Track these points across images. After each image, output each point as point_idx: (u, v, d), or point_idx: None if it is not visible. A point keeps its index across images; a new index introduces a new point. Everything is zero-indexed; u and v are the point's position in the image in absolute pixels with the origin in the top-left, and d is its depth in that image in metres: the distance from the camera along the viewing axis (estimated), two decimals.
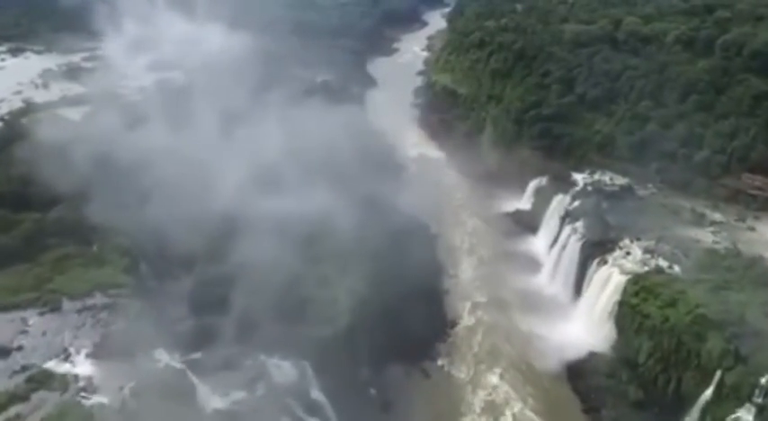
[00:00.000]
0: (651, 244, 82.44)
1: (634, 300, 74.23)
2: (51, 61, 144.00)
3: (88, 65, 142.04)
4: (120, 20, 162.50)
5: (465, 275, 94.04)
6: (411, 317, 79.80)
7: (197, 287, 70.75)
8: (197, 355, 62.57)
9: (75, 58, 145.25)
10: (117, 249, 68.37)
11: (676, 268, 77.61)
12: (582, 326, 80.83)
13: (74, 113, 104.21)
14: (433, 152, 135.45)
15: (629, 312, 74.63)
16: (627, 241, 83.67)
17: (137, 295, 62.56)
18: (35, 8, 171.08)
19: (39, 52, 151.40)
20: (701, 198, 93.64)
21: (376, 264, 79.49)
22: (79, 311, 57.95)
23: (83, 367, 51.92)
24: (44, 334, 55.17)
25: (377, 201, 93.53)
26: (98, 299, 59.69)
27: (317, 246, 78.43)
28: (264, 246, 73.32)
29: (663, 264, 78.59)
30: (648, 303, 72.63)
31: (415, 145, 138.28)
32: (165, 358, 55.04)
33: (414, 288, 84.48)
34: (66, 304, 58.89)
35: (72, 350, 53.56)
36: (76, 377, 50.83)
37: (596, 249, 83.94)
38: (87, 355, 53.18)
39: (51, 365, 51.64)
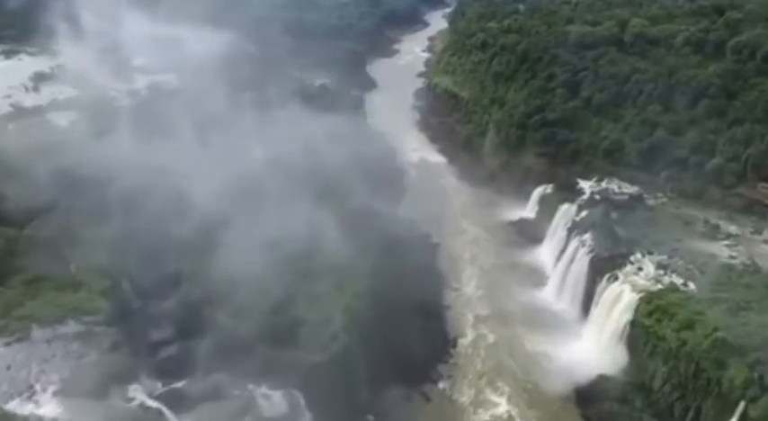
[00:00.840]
0: (664, 258, 76.49)
1: (647, 321, 68.31)
2: (44, 63, 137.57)
3: (80, 67, 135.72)
4: (114, 22, 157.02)
5: (467, 289, 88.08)
6: (411, 336, 74.40)
7: (182, 308, 64.74)
8: (179, 384, 56.84)
9: (68, 61, 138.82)
10: (96, 269, 62.10)
11: (692, 286, 71.66)
12: (591, 346, 74.89)
13: (61, 119, 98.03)
14: (434, 157, 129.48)
15: (642, 333, 68.75)
16: (638, 255, 77.72)
17: (114, 321, 56.41)
18: (29, 9, 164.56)
19: (32, 54, 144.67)
20: (714, 208, 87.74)
21: (373, 278, 73.69)
22: (49, 341, 51.64)
23: (48, 407, 45.84)
24: (9, 368, 48.95)
25: (375, 209, 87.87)
26: (71, 326, 53.40)
27: (310, 260, 72.11)
28: (255, 260, 67.60)
29: (677, 281, 72.65)
30: (663, 325, 66.70)
31: (416, 149, 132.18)
32: (140, 395, 49.12)
33: (414, 303, 79.18)
34: (36, 333, 52.43)
35: (38, 387, 47.44)
36: (40, 420, 44.93)
37: (606, 264, 77.92)
38: (54, 393, 47.08)
39: (13, 406, 45.42)
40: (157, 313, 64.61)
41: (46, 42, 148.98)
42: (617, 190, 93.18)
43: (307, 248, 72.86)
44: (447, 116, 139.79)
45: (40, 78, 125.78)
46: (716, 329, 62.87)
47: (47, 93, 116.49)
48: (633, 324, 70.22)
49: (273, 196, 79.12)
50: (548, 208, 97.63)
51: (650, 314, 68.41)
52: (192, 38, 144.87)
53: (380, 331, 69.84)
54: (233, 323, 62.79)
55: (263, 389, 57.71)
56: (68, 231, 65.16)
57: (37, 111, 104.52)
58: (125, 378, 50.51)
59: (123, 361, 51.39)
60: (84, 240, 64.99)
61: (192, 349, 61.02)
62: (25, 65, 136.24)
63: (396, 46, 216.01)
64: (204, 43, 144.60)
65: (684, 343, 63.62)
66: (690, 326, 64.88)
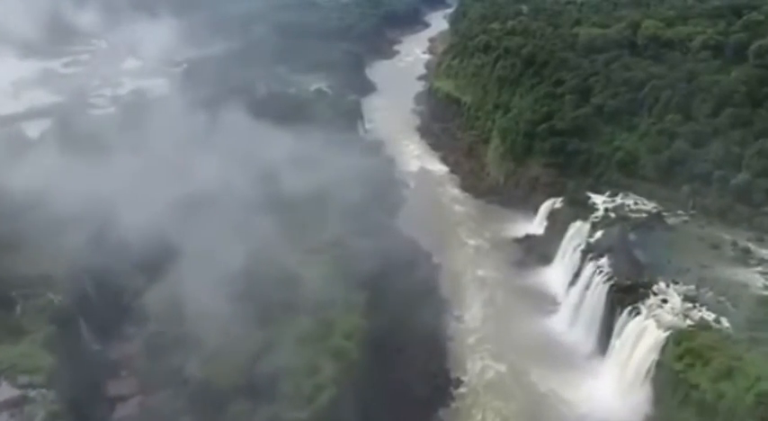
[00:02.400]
0: (692, 289, 65.60)
1: (677, 365, 57.34)
2: (29, 67, 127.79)
3: (67, 71, 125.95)
4: (108, 23, 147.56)
5: (470, 316, 77.21)
6: (410, 377, 64.42)
7: (146, 354, 54.61)
8: None
9: (55, 64, 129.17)
10: (45, 310, 51.85)
11: (725, 322, 60.75)
12: (610, 388, 64.10)
13: (34, 128, 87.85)
14: (435, 165, 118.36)
15: (671, 378, 57.86)
16: (662, 285, 66.71)
17: (57, 380, 45.94)
18: (20, 10, 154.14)
19: (18, 57, 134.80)
20: (741, 228, 76.43)
21: (368, 311, 63.29)
22: None
23: None
24: None
25: (372, 227, 77.70)
26: (3, 390, 43.24)
27: (294, 292, 61.70)
28: (232, 295, 57.50)
29: (708, 316, 61.73)
30: (696, 371, 55.77)
31: (416, 157, 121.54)
32: None
33: (412, 337, 68.92)
34: None
35: None
36: None
37: (626, 294, 66.76)
38: None
39: None
40: (118, 359, 54.61)
41: (34, 44, 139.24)
42: (633, 206, 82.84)
43: (290, 278, 62.57)
44: (449, 121, 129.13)
45: (21, 83, 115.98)
46: (759, 379, 52.29)
47: (26, 99, 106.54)
48: (659, 365, 59.56)
49: (256, 216, 68.91)
50: (557, 224, 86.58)
51: (680, 357, 57.54)
52: (188, 41, 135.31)
53: (375, 374, 59.83)
54: (204, 372, 52.65)
55: None
56: (16, 266, 54.69)
57: (11, 119, 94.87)
58: None
59: None
60: (34, 275, 54.61)
61: (157, 405, 51.02)
62: (8, 69, 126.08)
63: (396, 47, 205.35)
64: (199, 47, 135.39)
65: (723, 395, 52.92)
66: (728, 374, 54.11)
